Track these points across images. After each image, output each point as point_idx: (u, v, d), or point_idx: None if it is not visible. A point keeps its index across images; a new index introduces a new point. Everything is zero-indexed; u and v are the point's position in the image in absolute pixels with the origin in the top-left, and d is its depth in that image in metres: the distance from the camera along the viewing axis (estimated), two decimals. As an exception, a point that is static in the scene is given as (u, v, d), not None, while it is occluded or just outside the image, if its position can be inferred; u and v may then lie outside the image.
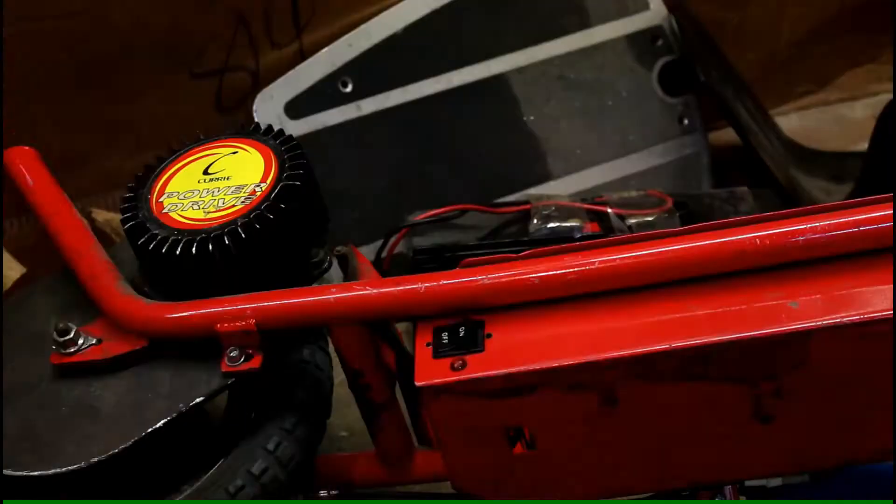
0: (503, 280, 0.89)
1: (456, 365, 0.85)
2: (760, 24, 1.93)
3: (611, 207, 1.49)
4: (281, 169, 0.98)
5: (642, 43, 1.81)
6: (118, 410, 0.94)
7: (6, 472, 0.91)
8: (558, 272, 0.88)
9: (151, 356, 0.97)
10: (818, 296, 0.84)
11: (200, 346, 0.94)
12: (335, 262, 1.02)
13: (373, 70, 1.63)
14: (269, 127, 1.04)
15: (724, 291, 0.86)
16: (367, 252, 1.55)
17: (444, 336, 0.88)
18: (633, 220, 1.47)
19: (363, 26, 1.63)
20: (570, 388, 0.85)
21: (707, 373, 0.84)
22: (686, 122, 1.83)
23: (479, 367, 0.85)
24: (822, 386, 0.85)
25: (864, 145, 1.67)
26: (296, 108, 1.58)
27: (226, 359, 0.93)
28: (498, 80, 1.70)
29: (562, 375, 0.84)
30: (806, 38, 1.98)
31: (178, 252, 0.92)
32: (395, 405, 1.04)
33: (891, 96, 1.63)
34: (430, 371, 0.86)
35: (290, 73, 1.59)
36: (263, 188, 0.96)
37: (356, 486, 1.13)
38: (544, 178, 1.72)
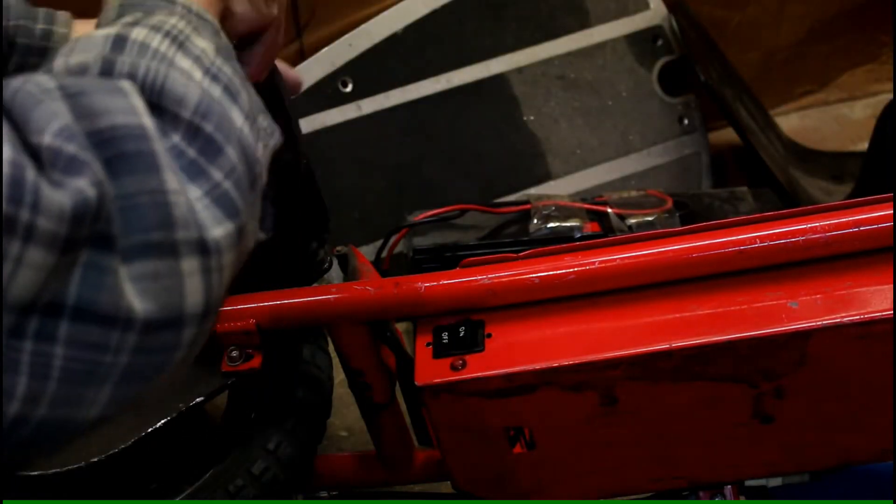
0: (503, 280, 0.89)
1: (456, 365, 0.85)
2: (760, 24, 1.93)
3: (611, 207, 1.49)
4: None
5: (642, 43, 1.81)
6: (118, 410, 0.94)
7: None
8: (558, 272, 0.88)
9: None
10: (818, 296, 0.84)
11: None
12: (335, 262, 1.02)
13: (373, 70, 1.63)
14: (270, 127, 1.04)
15: (724, 291, 0.86)
16: (367, 252, 1.55)
17: (445, 336, 0.88)
18: (633, 220, 1.47)
19: (363, 26, 1.63)
20: (570, 388, 0.85)
21: (707, 373, 0.84)
22: (686, 122, 1.83)
23: (479, 367, 0.85)
24: (822, 386, 0.85)
25: (864, 145, 1.67)
26: (295, 108, 1.58)
27: (226, 359, 0.93)
28: (498, 80, 1.71)
29: (562, 375, 0.84)
30: (806, 38, 1.98)
31: (178, 252, 0.92)
32: (395, 405, 1.04)
33: (891, 96, 1.63)
34: (431, 371, 0.86)
35: (290, 72, 1.59)
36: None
37: (356, 486, 1.13)
38: (544, 178, 1.72)
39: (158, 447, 0.94)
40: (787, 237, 0.85)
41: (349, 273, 1.02)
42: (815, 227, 0.85)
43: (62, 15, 0.82)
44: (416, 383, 0.85)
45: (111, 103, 0.50)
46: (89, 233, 0.47)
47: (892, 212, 0.84)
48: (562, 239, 1.40)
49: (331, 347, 1.03)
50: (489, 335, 0.88)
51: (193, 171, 0.53)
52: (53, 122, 0.47)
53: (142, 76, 0.54)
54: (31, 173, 0.45)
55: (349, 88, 1.62)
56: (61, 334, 0.47)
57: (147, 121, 0.51)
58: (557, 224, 1.45)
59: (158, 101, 0.53)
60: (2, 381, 0.46)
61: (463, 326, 0.88)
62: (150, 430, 0.91)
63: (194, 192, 0.52)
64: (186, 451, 1.01)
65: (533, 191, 1.67)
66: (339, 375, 1.06)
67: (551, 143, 1.73)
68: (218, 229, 0.52)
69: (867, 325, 0.81)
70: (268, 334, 0.93)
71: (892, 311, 0.80)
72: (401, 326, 1.07)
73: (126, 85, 0.52)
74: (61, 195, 0.46)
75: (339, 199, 1.59)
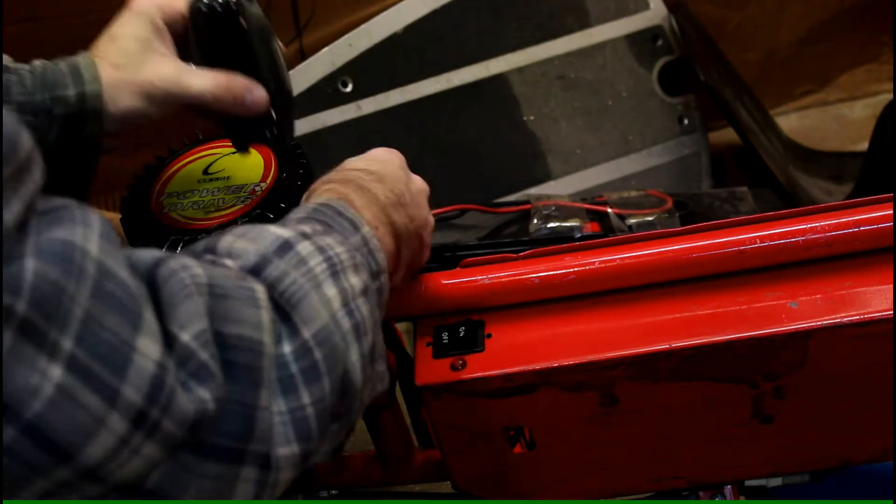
0: (503, 280, 0.89)
1: (456, 365, 0.85)
2: (760, 24, 1.93)
3: (611, 207, 1.49)
4: (280, 168, 0.98)
5: (642, 43, 1.81)
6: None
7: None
8: (558, 272, 0.88)
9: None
10: (818, 296, 0.84)
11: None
12: (335, 262, 1.02)
13: (373, 70, 1.63)
14: (270, 127, 1.04)
15: (724, 291, 0.86)
16: (367, 252, 1.55)
17: (445, 336, 0.88)
18: (633, 220, 1.47)
19: (363, 26, 1.63)
20: (570, 388, 0.85)
21: (707, 373, 0.84)
22: (686, 122, 1.83)
23: (479, 367, 0.85)
24: (822, 386, 0.85)
25: (864, 145, 1.67)
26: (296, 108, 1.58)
27: (226, 359, 0.93)
28: (498, 80, 1.71)
29: (562, 375, 0.84)
30: (806, 38, 1.98)
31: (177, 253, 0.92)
32: (395, 405, 1.04)
33: (891, 96, 1.63)
34: (431, 371, 0.86)
35: (290, 72, 1.59)
36: (263, 188, 0.96)
37: (356, 486, 1.13)
38: (544, 178, 1.72)
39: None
40: (787, 237, 0.85)
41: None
42: (815, 227, 0.85)
43: (86, 70, 0.80)
44: (416, 383, 0.85)
45: (245, 314, 0.55)
46: (197, 437, 0.51)
47: (892, 212, 0.84)
48: (562, 239, 1.39)
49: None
50: (489, 335, 0.88)
51: (288, 386, 0.56)
52: (195, 323, 0.52)
53: (285, 286, 0.58)
54: (171, 378, 0.49)
55: (349, 88, 1.62)
56: None
57: (266, 337, 0.55)
58: (557, 224, 1.45)
59: (289, 312, 0.58)
60: None
61: (463, 326, 0.88)
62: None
63: (279, 406, 0.56)
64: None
65: (533, 191, 1.67)
66: (339, 375, 1.06)
67: (551, 143, 1.73)
68: (285, 448, 0.56)
69: (867, 325, 0.81)
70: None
71: (892, 311, 0.80)
72: (401, 326, 1.07)
73: (262, 296, 0.57)
74: (187, 402, 0.50)
75: (339, 199, 1.59)
